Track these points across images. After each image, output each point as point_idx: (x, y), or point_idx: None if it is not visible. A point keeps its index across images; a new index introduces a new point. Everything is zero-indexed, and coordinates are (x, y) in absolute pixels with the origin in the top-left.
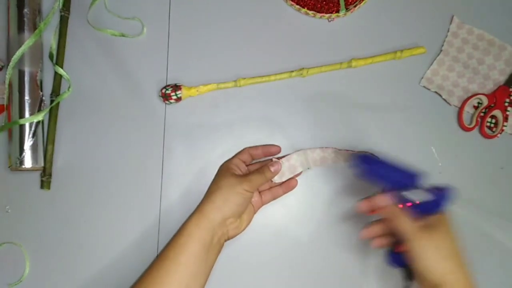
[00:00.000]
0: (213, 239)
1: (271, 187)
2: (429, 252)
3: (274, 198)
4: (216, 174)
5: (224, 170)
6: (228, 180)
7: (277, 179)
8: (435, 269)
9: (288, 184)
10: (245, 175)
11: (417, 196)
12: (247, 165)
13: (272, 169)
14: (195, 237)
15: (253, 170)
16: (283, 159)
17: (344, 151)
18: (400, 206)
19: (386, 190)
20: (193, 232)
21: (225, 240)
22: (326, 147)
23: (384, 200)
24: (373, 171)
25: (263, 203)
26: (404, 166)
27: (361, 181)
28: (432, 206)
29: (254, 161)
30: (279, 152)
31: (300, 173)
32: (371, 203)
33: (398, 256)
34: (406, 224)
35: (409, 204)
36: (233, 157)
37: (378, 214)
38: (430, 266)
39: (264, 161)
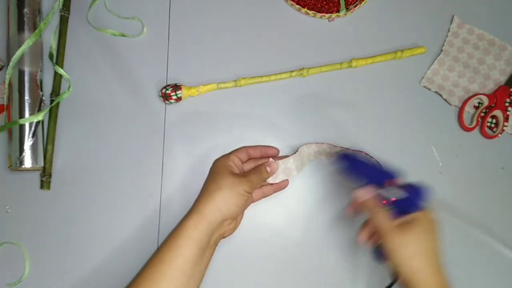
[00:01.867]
0: (210, 241)
1: (262, 186)
2: (401, 249)
3: (264, 197)
4: (213, 171)
5: (223, 168)
6: (228, 180)
7: (270, 180)
8: (405, 266)
9: (279, 184)
10: (244, 175)
11: (392, 193)
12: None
13: (268, 169)
14: (193, 239)
15: (250, 170)
16: (280, 161)
17: (339, 148)
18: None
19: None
20: (192, 235)
21: (220, 239)
22: (321, 143)
23: (362, 194)
24: (352, 168)
25: (253, 201)
26: (384, 165)
27: (342, 179)
28: (408, 204)
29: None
30: (277, 154)
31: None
32: (353, 201)
33: (382, 252)
34: (382, 221)
35: (384, 201)
36: (231, 153)
37: (360, 210)
38: (401, 263)
39: (259, 160)
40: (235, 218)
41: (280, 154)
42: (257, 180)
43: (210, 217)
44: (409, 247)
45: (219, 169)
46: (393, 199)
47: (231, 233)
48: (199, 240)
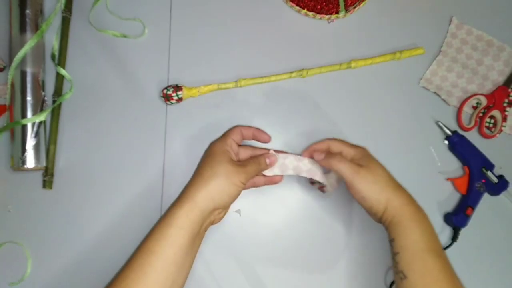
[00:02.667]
0: (201, 229)
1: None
2: (368, 186)
3: (254, 187)
4: (209, 155)
5: (220, 153)
6: (225, 168)
7: (266, 172)
8: (376, 200)
9: (273, 178)
10: (242, 165)
11: (491, 177)
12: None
13: (267, 161)
14: (184, 229)
15: (248, 159)
16: (280, 155)
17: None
18: (483, 181)
19: (470, 166)
20: (183, 224)
21: (209, 226)
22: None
23: (319, 155)
24: (466, 148)
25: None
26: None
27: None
28: (495, 188)
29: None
30: (268, 141)
31: (282, 176)
32: (309, 150)
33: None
34: (347, 167)
35: (484, 180)
36: (226, 136)
37: (317, 157)
38: (371, 198)
39: (256, 149)
40: (226, 207)
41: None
42: (254, 171)
43: (202, 205)
44: (377, 179)
45: (216, 154)
46: (484, 181)
47: (219, 221)
48: (190, 229)
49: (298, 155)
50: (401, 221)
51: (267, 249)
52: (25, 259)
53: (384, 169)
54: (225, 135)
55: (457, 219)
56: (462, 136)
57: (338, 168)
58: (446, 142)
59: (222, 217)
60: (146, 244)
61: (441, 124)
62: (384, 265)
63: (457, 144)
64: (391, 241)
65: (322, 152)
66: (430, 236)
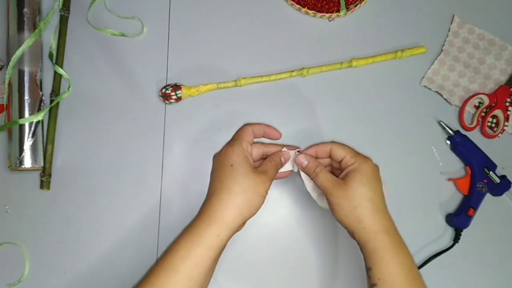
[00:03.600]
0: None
1: None
2: (345, 201)
3: None
4: (231, 165)
5: (242, 163)
6: (252, 180)
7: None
8: (351, 218)
9: (282, 173)
10: (264, 172)
11: (493, 177)
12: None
13: (282, 159)
14: (214, 248)
15: (266, 163)
16: (291, 151)
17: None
18: (485, 181)
19: (472, 166)
20: (214, 244)
21: None
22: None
23: (302, 159)
24: (468, 148)
25: None
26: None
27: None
28: (497, 189)
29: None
30: (279, 138)
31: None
32: (310, 150)
33: None
34: (324, 178)
35: (486, 180)
36: (241, 139)
37: (303, 170)
38: (347, 215)
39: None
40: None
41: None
42: (274, 174)
43: (233, 224)
44: (353, 197)
45: (238, 164)
46: (486, 181)
47: (241, 229)
48: (219, 249)
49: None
50: (378, 251)
51: (267, 249)
52: (22, 260)
53: (371, 189)
54: (239, 138)
55: (458, 220)
56: (464, 136)
57: (315, 178)
58: (448, 142)
59: (243, 225)
60: (169, 261)
61: (443, 124)
62: None
63: (459, 144)
64: (368, 269)
65: (324, 153)
66: (409, 268)
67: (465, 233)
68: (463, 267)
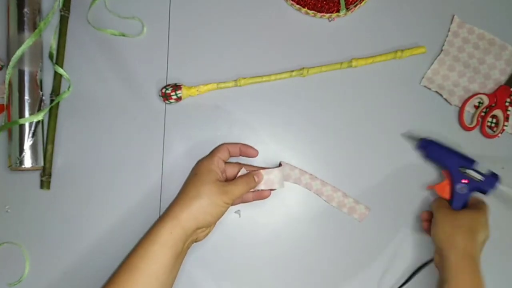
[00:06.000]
0: (184, 246)
1: None
2: (446, 222)
3: (243, 203)
4: (196, 174)
5: (206, 173)
6: (210, 188)
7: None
8: (439, 237)
9: (261, 193)
10: (227, 185)
11: (472, 175)
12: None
13: (256, 179)
14: (168, 246)
15: (236, 180)
16: (263, 171)
17: (318, 181)
18: (466, 181)
19: (447, 169)
20: (167, 241)
21: (192, 243)
22: (304, 171)
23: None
24: (437, 152)
25: (232, 205)
26: (461, 152)
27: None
28: (481, 186)
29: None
30: (255, 156)
31: (274, 189)
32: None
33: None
34: (440, 202)
35: (466, 180)
36: (213, 155)
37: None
38: (437, 233)
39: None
40: (209, 226)
41: (282, 155)
42: (240, 190)
43: (185, 225)
44: (455, 221)
45: (202, 173)
46: (466, 181)
47: (203, 239)
48: (174, 246)
49: (279, 166)
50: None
51: (267, 250)
52: (23, 259)
53: (474, 219)
54: (212, 153)
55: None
56: (430, 141)
57: (435, 205)
58: (417, 151)
59: (207, 234)
60: (130, 260)
61: (406, 136)
62: (382, 262)
63: (428, 150)
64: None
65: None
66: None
67: None
68: None
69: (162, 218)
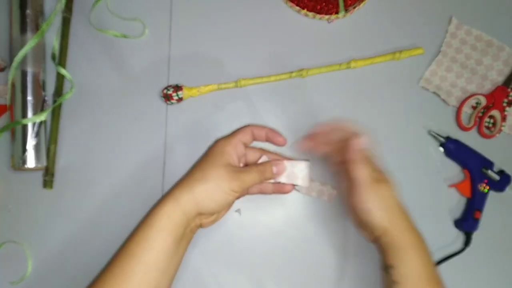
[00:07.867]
0: (185, 231)
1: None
2: (376, 201)
3: (261, 193)
4: (208, 154)
5: (218, 154)
6: (217, 172)
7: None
8: (381, 216)
9: (282, 187)
10: (239, 172)
11: (491, 175)
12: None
13: (274, 169)
14: (166, 230)
15: (251, 167)
16: (288, 162)
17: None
18: (486, 181)
19: (469, 169)
20: (165, 225)
21: (198, 229)
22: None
23: (361, 142)
24: (462, 152)
25: (247, 194)
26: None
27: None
28: (498, 185)
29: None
30: (284, 144)
31: (294, 186)
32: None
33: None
34: (363, 172)
35: (486, 180)
36: (233, 136)
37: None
38: (375, 212)
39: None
40: (214, 214)
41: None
42: (253, 179)
43: (185, 208)
44: (385, 200)
45: (213, 154)
46: (486, 181)
47: (211, 224)
48: (172, 231)
49: (307, 160)
50: (403, 248)
51: (267, 249)
52: (25, 258)
53: (395, 191)
54: (233, 134)
55: (467, 224)
56: (456, 141)
57: (356, 166)
58: (441, 149)
59: (214, 221)
60: (126, 246)
61: (433, 134)
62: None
63: (453, 150)
64: (389, 267)
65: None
66: (432, 265)
67: (476, 234)
68: (476, 268)
69: (162, 199)
